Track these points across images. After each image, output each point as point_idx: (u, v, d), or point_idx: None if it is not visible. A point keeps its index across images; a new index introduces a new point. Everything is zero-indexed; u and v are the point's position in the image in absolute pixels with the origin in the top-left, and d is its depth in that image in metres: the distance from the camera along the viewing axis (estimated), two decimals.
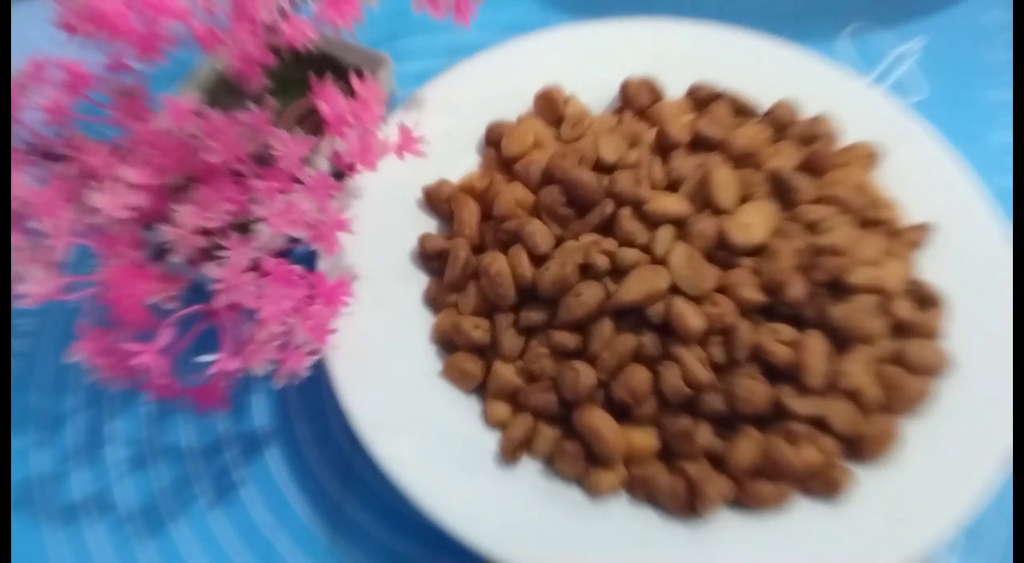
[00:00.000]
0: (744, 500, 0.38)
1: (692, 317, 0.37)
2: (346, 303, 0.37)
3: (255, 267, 0.35)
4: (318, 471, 0.43)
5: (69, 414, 0.45)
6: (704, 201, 0.40)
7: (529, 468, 0.39)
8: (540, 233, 0.40)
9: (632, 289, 0.38)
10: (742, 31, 0.50)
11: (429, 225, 0.45)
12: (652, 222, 0.40)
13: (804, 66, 0.49)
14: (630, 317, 0.39)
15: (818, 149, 0.43)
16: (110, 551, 0.41)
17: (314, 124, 0.42)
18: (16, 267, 0.34)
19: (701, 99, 0.46)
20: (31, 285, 0.33)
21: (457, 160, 0.46)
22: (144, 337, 0.34)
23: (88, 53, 0.35)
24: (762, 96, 0.46)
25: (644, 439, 0.38)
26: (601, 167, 0.42)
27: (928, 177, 0.45)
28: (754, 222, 0.39)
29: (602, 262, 0.39)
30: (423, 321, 0.42)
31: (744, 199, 0.41)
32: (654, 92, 0.47)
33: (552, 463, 0.39)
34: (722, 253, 0.39)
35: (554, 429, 0.39)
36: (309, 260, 0.40)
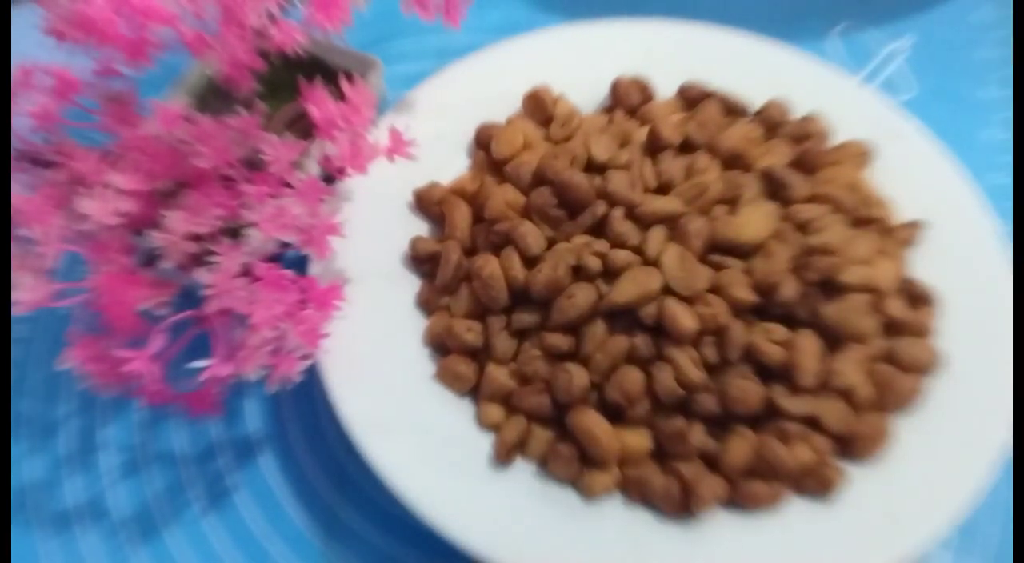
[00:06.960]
0: (738, 500, 0.38)
1: (685, 318, 0.37)
2: (338, 307, 0.37)
3: (246, 272, 0.35)
4: (312, 475, 0.43)
5: (61, 421, 0.45)
6: (696, 201, 0.40)
7: (523, 470, 0.39)
8: (532, 235, 0.40)
9: (624, 290, 0.38)
10: (732, 31, 0.50)
11: (420, 228, 0.45)
12: (644, 223, 0.40)
13: (794, 65, 0.49)
14: (623, 318, 0.39)
15: (809, 148, 0.44)
16: (104, 558, 0.41)
17: (304, 128, 0.42)
18: None
19: (692, 98, 0.46)
20: (22, 292, 0.33)
21: (448, 162, 0.46)
22: (136, 343, 0.34)
23: (77, 59, 0.35)
24: (753, 95, 0.46)
25: (637, 440, 0.38)
26: (592, 167, 0.42)
27: (919, 175, 0.45)
28: (747, 222, 0.40)
29: (594, 263, 0.39)
30: (416, 324, 0.42)
31: (736, 199, 0.41)
32: (645, 91, 0.47)
33: (546, 465, 0.39)
34: (714, 254, 0.39)
35: (548, 431, 0.39)
36: (300, 264, 0.40)
